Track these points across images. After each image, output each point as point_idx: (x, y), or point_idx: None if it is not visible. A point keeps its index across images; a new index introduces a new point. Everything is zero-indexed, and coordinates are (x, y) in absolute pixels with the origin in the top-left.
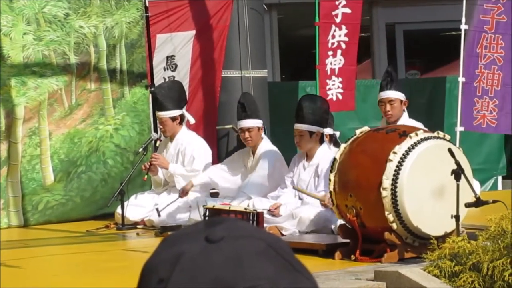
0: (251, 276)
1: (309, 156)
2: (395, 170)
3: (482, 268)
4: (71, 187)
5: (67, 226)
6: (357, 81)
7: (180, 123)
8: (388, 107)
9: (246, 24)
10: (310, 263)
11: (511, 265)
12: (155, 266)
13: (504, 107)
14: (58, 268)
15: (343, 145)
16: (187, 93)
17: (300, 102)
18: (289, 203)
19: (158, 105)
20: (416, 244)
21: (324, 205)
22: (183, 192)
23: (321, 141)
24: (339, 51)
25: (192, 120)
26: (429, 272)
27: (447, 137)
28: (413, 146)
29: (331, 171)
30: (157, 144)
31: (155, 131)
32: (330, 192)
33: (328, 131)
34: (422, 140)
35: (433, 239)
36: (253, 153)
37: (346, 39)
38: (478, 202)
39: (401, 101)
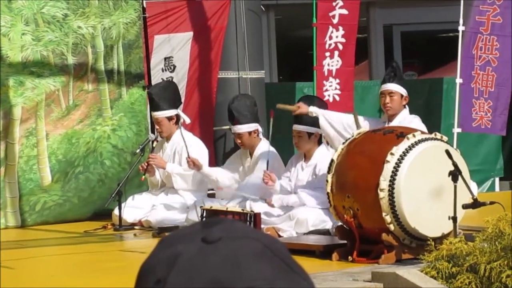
0: (248, 277)
1: (307, 157)
2: (393, 171)
3: (479, 270)
4: (68, 187)
5: (64, 226)
6: (354, 82)
7: (176, 123)
8: (387, 99)
9: (243, 25)
10: (307, 264)
11: (508, 266)
12: (153, 267)
13: (498, 108)
14: (56, 268)
15: (340, 146)
16: (184, 93)
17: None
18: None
19: (153, 106)
20: (414, 245)
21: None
22: (195, 165)
23: (319, 142)
24: (336, 52)
25: (187, 120)
26: (426, 273)
27: (445, 138)
28: (410, 147)
29: (328, 172)
30: (154, 145)
31: (152, 131)
32: (328, 193)
33: None
34: (420, 141)
35: (431, 240)
36: (251, 154)
37: (343, 40)
38: (476, 204)
39: (402, 95)
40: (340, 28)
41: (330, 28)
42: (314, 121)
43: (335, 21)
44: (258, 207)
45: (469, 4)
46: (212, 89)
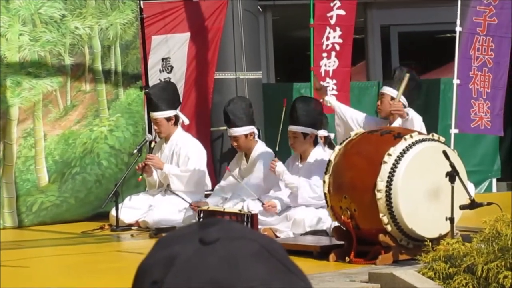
0: (246, 278)
1: (303, 158)
2: (390, 172)
3: (476, 270)
4: (65, 188)
5: (61, 227)
6: (351, 83)
7: (175, 123)
8: (379, 101)
9: (240, 26)
10: (304, 264)
11: (505, 267)
12: (150, 268)
13: (495, 109)
14: (53, 269)
15: (337, 147)
16: (181, 94)
17: (294, 104)
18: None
19: (152, 106)
20: (411, 246)
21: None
22: (195, 205)
23: (315, 143)
24: (333, 53)
25: (186, 121)
26: (423, 274)
27: (442, 139)
28: (407, 148)
29: (325, 173)
30: (152, 145)
31: (150, 132)
32: (325, 193)
33: (322, 132)
34: (417, 142)
35: (428, 241)
36: (247, 156)
37: (340, 40)
38: (473, 204)
39: (392, 98)
40: (337, 28)
41: (328, 29)
42: (309, 122)
43: (332, 21)
44: (256, 207)
45: (466, 5)
46: (209, 89)
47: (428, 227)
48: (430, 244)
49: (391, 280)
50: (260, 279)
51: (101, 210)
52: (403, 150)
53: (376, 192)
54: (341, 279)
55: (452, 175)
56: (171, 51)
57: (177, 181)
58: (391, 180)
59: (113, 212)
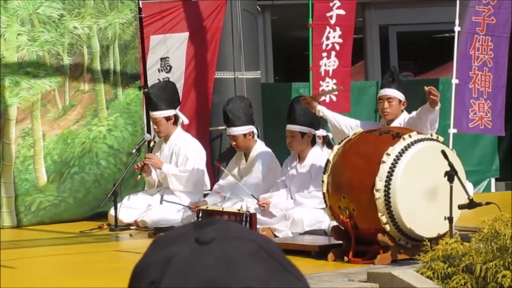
0: (243, 278)
1: (301, 158)
2: (389, 172)
3: (475, 270)
4: (64, 188)
5: (60, 227)
6: (350, 83)
7: (175, 123)
8: (386, 104)
9: (239, 26)
10: (303, 264)
11: (504, 267)
12: (146, 268)
13: (496, 108)
14: (51, 269)
15: (336, 147)
16: (180, 94)
17: (292, 103)
18: (280, 203)
19: (151, 105)
20: (409, 246)
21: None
22: (194, 206)
23: (313, 143)
24: (333, 53)
25: (186, 121)
26: (422, 274)
27: (441, 139)
28: (406, 148)
29: (324, 173)
30: (151, 145)
31: (148, 132)
32: (323, 193)
33: (321, 132)
34: (416, 141)
35: (426, 240)
36: (246, 156)
37: (340, 40)
38: (471, 204)
39: (400, 100)
40: (337, 28)
41: (327, 29)
42: (307, 121)
43: (332, 21)
44: (254, 207)
45: (465, 5)
46: (208, 89)
47: (426, 226)
48: (428, 243)
49: (390, 280)
50: (257, 279)
51: (99, 209)
52: (401, 149)
53: (374, 191)
54: (339, 279)
55: (451, 174)
56: (170, 51)
57: (175, 181)
58: (390, 179)
59: (111, 211)
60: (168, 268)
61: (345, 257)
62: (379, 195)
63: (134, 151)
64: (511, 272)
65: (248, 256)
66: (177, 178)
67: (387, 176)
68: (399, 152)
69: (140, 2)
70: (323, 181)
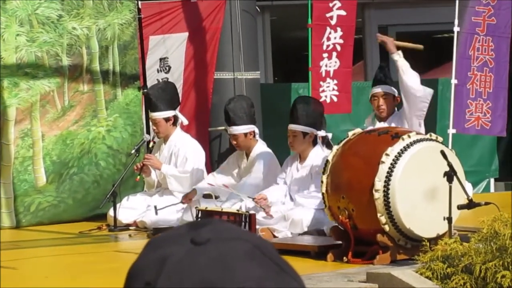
0: (238, 278)
1: (302, 158)
2: (388, 172)
3: (474, 270)
4: (63, 188)
5: (59, 227)
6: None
7: (174, 124)
8: (381, 101)
9: (238, 26)
10: (302, 264)
11: (503, 267)
12: (141, 270)
13: (497, 109)
14: (50, 269)
15: (335, 147)
16: (180, 94)
17: (295, 103)
18: (277, 202)
19: (151, 106)
20: (409, 246)
21: None
22: (186, 199)
23: (315, 143)
24: (334, 53)
25: (185, 121)
26: (421, 274)
27: (440, 139)
28: (405, 148)
29: (323, 173)
30: (150, 145)
31: (148, 132)
32: (323, 193)
33: (320, 133)
34: (415, 142)
35: (426, 241)
36: (247, 155)
37: (341, 41)
38: (471, 204)
39: (394, 96)
40: (338, 29)
41: (328, 29)
42: (309, 122)
43: (333, 22)
44: (254, 207)
45: (464, 5)
46: (208, 90)
47: (426, 227)
48: (428, 244)
49: (389, 280)
50: (253, 279)
51: (99, 210)
52: (401, 150)
53: (374, 192)
54: (339, 279)
55: (450, 175)
56: (169, 51)
57: (174, 182)
58: (389, 180)
59: (111, 212)
60: (164, 268)
61: (344, 258)
62: (378, 195)
63: (133, 151)
64: (511, 272)
65: (244, 257)
66: (176, 179)
67: (386, 177)
68: (398, 153)
69: (139, 2)
70: (322, 182)
